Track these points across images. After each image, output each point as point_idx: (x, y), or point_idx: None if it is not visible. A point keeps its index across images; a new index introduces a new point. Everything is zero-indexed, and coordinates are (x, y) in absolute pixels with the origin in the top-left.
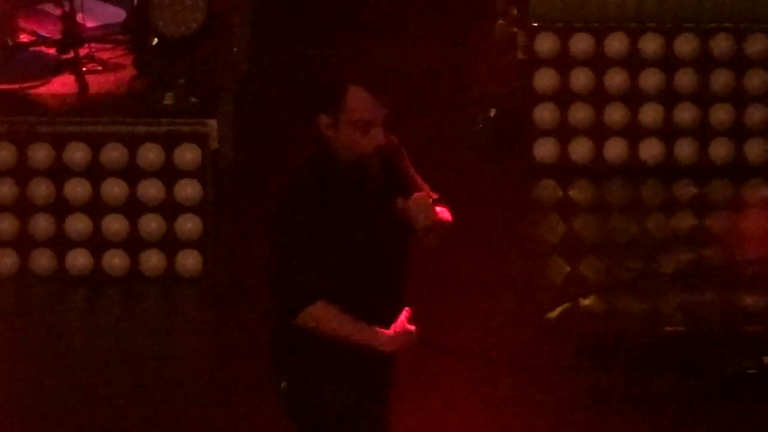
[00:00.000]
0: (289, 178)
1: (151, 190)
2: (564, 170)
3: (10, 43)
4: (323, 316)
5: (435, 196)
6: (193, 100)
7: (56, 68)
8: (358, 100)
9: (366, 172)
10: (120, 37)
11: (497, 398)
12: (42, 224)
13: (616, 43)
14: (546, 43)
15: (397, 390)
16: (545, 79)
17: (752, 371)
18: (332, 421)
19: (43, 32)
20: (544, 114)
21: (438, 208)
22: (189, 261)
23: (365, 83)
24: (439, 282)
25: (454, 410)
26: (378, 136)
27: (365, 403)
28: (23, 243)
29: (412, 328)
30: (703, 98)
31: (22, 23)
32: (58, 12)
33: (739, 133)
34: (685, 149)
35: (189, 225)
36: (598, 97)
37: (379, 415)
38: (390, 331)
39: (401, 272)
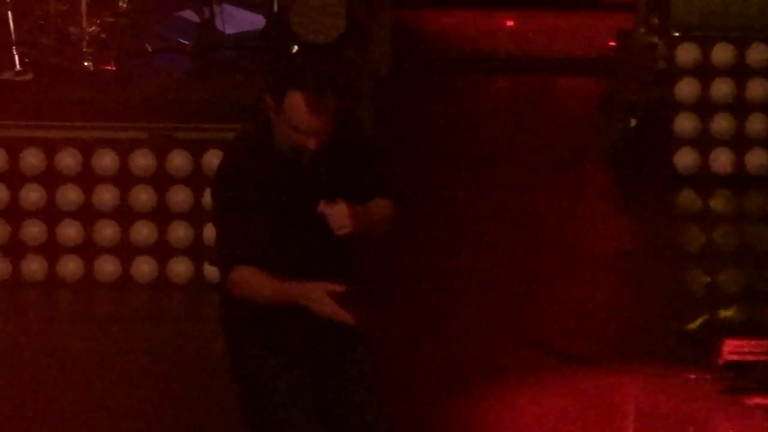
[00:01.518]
0: (230, 146)
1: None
2: (704, 180)
3: (149, 49)
4: (244, 280)
5: (389, 203)
6: None
7: (194, 75)
8: (294, 106)
9: (299, 159)
10: (259, 43)
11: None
12: (181, 232)
13: (758, 53)
14: (687, 53)
15: (522, 395)
16: (686, 89)
17: None
18: (258, 386)
19: (182, 39)
20: (685, 124)
21: (374, 207)
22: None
23: (308, 92)
24: (578, 292)
25: (586, 421)
26: (310, 145)
27: (291, 368)
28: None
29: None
30: None
31: (161, 29)
32: (197, 19)
33: None
34: None
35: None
36: (739, 107)
37: (304, 382)
38: (311, 284)
39: (336, 262)
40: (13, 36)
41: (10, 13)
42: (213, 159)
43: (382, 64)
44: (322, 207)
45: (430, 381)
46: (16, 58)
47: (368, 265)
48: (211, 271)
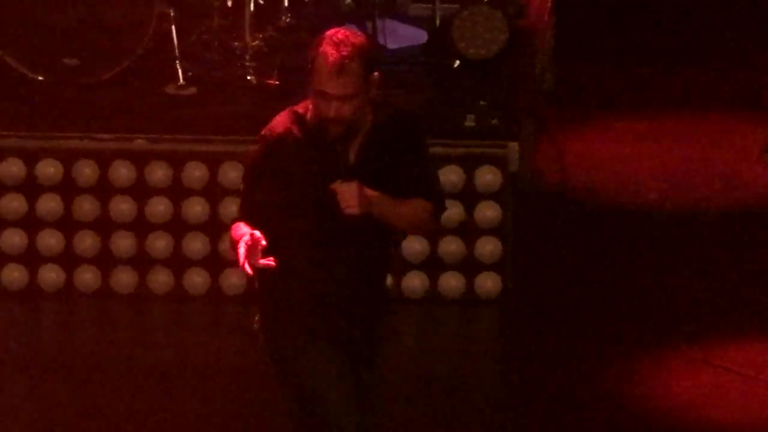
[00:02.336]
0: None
1: (452, 211)
2: None
3: None
4: (232, 231)
5: (428, 206)
6: (494, 122)
7: None
8: (319, 66)
9: (325, 134)
10: (421, 58)
11: None
12: None
13: None
14: None
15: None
16: None
17: None
18: (288, 361)
19: None
20: None
21: (409, 204)
22: (488, 283)
23: (331, 51)
24: None
25: None
26: (330, 113)
27: (320, 344)
28: None
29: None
30: None
31: None
32: None
33: None
34: None
35: (488, 247)
36: None
37: (337, 358)
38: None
39: (353, 247)
40: (177, 50)
41: (173, 28)
42: None
43: (544, 79)
44: (335, 184)
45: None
46: (180, 72)
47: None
48: None
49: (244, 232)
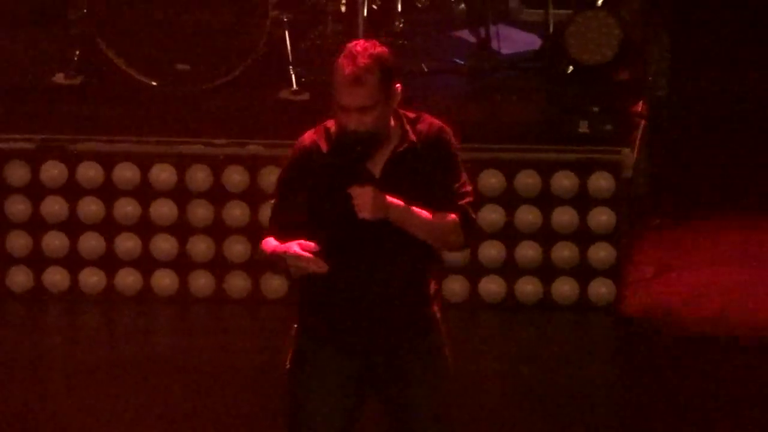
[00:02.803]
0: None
1: (564, 217)
2: None
3: (426, 69)
4: (263, 244)
5: (453, 219)
6: (608, 127)
7: (470, 95)
8: (337, 77)
9: (349, 147)
10: (535, 64)
11: None
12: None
13: None
14: None
15: None
16: None
17: None
18: (295, 372)
19: (457, 59)
20: None
21: (438, 215)
22: (602, 289)
23: (348, 63)
24: None
25: None
26: (350, 125)
27: (342, 361)
28: None
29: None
30: None
31: (437, 50)
32: (473, 39)
33: None
34: None
35: (601, 253)
36: None
37: (345, 377)
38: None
39: (387, 258)
40: (290, 56)
41: (287, 34)
42: (491, 179)
43: (658, 84)
44: (352, 188)
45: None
46: (293, 77)
47: None
48: None
49: (276, 245)
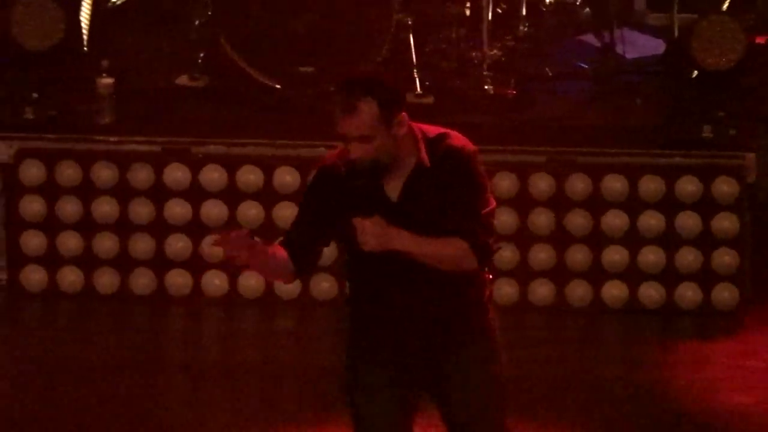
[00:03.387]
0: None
1: (688, 222)
2: None
3: (550, 74)
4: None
5: (463, 244)
6: (732, 132)
7: (595, 99)
8: (336, 117)
9: (359, 173)
10: (659, 68)
11: None
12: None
13: None
14: None
15: None
16: None
17: None
18: (353, 397)
19: (581, 63)
20: None
21: (445, 242)
22: (725, 294)
23: (340, 93)
24: None
25: None
26: (351, 153)
27: (390, 383)
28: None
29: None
30: None
31: (561, 54)
32: (597, 43)
33: None
34: None
35: (725, 258)
36: None
37: (398, 398)
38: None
39: (412, 280)
40: (414, 59)
41: (411, 37)
42: (614, 183)
43: None
44: (355, 219)
45: None
46: (417, 81)
47: None
48: None
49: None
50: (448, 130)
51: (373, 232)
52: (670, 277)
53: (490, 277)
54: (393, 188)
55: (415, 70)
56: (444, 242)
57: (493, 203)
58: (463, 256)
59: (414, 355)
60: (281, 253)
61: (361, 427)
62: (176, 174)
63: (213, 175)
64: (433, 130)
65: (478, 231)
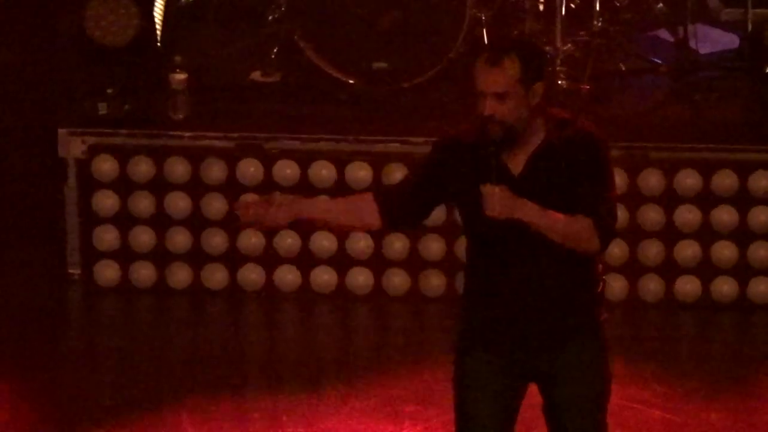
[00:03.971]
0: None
1: (762, 217)
2: None
3: (623, 69)
4: None
5: (588, 222)
6: None
7: (670, 95)
8: (476, 66)
9: (485, 138)
10: (734, 63)
11: None
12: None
13: None
14: None
15: None
16: None
17: None
18: (458, 383)
19: (655, 58)
20: None
21: (565, 218)
22: (761, 288)
23: (487, 50)
24: None
25: None
26: (485, 110)
27: (502, 374)
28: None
29: None
30: None
31: (636, 49)
32: (671, 38)
33: None
34: None
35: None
36: None
37: (505, 385)
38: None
39: (544, 253)
40: None
41: (485, 32)
42: (687, 179)
43: None
44: (484, 186)
45: None
46: None
47: None
48: None
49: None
50: (578, 117)
51: (500, 198)
52: (743, 272)
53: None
54: (516, 162)
55: None
56: (569, 218)
57: (617, 192)
58: (587, 235)
59: (527, 345)
60: (359, 202)
61: (465, 414)
62: (249, 169)
63: (286, 171)
64: (562, 113)
65: (602, 212)
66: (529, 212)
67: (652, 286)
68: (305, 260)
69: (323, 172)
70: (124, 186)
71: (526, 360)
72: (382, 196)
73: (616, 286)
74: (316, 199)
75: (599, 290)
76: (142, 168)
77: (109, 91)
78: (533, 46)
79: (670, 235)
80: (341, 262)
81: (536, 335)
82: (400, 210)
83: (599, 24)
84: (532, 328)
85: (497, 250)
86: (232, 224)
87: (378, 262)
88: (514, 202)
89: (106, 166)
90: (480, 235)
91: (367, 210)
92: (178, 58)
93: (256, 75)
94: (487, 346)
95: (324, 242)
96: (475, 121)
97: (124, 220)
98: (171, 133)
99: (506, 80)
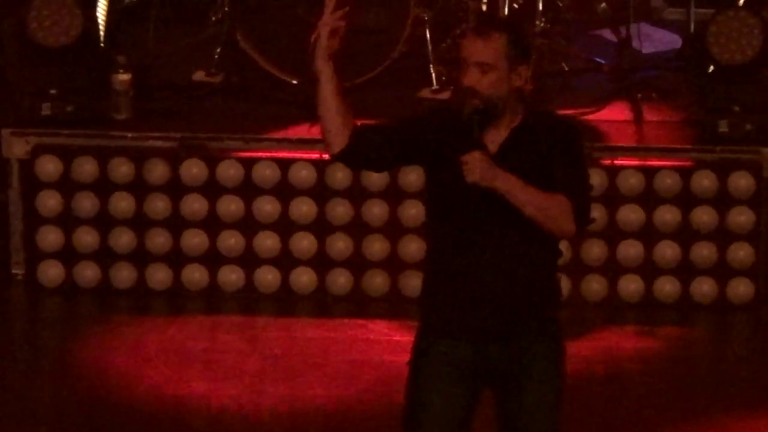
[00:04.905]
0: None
1: (704, 217)
2: None
3: (566, 68)
4: None
5: (566, 202)
6: (749, 127)
7: (611, 95)
8: (465, 38)
9: (465, 108)
10: (676, 63)
11: None
12: (596, 248)
13: None
14: None
15: None
16: None
17: None
18: (414, 366)
19: (599, 58)
20: None
21: (549, 196)
22: (741, 289)
23: (476, 26)
24: None
25: None
26: (467, 79)
27: (460, 353)
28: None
29: None
30: None
31: (578, 49)
32: (614, 38)
33: None
34: None
35: (741, 253)
36: None
37: (474, 369)
38: None
39: (507, 237)
40: (431, 54)
41: (427, 32)
42: (629, 179)
43: None
44: (463, 156)
45: None
46: (434, 76)
47: None
48: None
49: None
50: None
51: (481, 163)
52: (685, 271)
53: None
54: (493, 140)
55: (431, 65)
56: (548, 194)
57: (591, 183)
58: (564, 214)
59: (492, 327)
60: (347, 117)
61: (420, 412)
62: (192, 170)
63: (229, 171)
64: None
65: (580, 196)
66: (509, 182)
67: (594, 285)
68: (248, 260)
69: (267, 172)
70: (67, 186)
71: (489, 349)
72: (361, 128)
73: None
74: (337, 83)
75: (558, 284)
76: (86, 168)
77: (53, 91)
78: (523, 29)
79: (613, 234)
80: (318, 262)
81: (502, 318)
82: (366, 145)
83: (542, 24)
84: (497, 312)
85: (466, 229)
86: (175, 223)
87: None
88: (495, 170)
89: (49, 167)
90: (449, 211)
91: (346, 125)
92: (121, 59)
93: (200, 75)
94: (451, 331)
95: (267, 241)
96: (455, 92)
97: (68, 221)
98: (114, 133)
99: (490, 52)
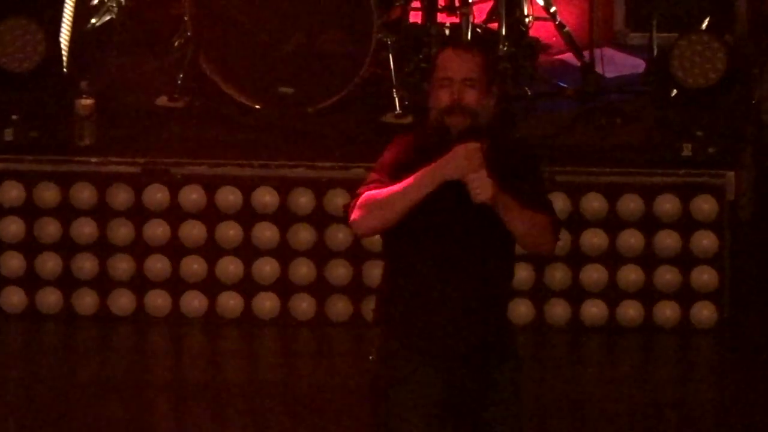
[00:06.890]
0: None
1: (667, 241)
2: None
3: (529, 93)
4: (368, 198)
5: (547, 219)
6: (712, 150)
7: (575, 119)
8: (443, 55)
9: (445, 137)
10: (640, 87)
11: None
12: (558, 274)
13: None
14: None
15: None
16: None
17: None
18: (383, 383)
19: (562, 82)
20: None
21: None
22: (704, 313)
23: (455, 45)
24: None
25: None
26: (452, 95)
27: (426, 372)
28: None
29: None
30: None
31: (541, 73)
32: (577, 62)
33: None
34: None
35: (704, 277)
36: None
37: (436, 389)
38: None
39: (475, 257)
40: (394, 79)
41: (390, 57)
42: (593, 203)
43: (764, 109)
44: (471, 176)
45: None
46: (397, 101)
47: None
48: None
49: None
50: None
51: (490, 183)
52: (648, 295)
53: None
54: None
55: (394, 90)
56: (534, 215)
57: None
58: (546, 230)
59: (457, 362)
60: None
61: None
62: (156, 195)
63: (192, 196)
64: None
65: (552, 213)
66: (506, 199)
67: (557, 310)
68: (211, 286)
69: (230, 197)
70: (30, 212)
71: (457, 375)
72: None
73: (521, 310)
74: None
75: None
76: (48, 194)
77: (15, 117)
78: (493, 54)
79: (577, 258)
80: (281, 287)
81: (467, 341)
82: None
83: (505, 48)
84: (462, 333)
85: (437, 249)
86: (138, 249)
87: (319, 289)
88: (496, 186)
89: (12, 193)
90: (423, 231)
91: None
92: (84, 84)
93: (162, 100)
94: (419, 351)
95: (230, 267)
96: (432, 115)
97: (30, 246)
98: (77, 158)
99: (475, 68)
